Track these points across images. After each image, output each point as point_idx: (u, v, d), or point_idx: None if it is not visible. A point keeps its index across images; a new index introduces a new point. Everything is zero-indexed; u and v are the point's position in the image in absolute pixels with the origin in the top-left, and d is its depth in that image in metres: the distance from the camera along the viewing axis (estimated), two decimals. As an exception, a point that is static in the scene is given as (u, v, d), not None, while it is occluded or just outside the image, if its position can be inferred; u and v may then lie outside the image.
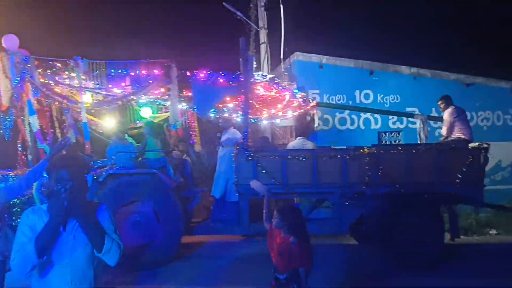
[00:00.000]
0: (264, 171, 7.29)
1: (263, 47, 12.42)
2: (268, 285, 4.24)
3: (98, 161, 7.95)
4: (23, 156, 8.21)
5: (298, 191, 7.35)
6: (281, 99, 8.36)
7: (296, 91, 8.39)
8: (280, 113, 8.52)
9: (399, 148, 7.29)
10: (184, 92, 7.77)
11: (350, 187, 7.28)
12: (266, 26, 12.58)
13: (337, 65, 11.32)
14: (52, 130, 8.75)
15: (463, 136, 7.97)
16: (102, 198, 7.26)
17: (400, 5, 14.00)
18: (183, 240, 7.81)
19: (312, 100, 8.45)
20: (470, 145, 7.69)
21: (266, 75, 8.08)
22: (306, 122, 8.46)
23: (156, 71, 7.54)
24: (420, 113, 9.07)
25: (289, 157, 7.28)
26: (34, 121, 7.83)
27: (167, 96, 7.71)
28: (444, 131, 8.13)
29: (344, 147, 7.72)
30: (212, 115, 8.48)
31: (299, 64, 11.34)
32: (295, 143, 8.18)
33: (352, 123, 11.01)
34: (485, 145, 7.24)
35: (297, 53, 11.37)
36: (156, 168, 7.61)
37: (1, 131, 7.68)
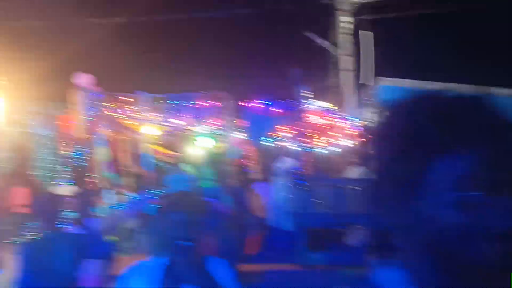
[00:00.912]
0: (318, 200, 7.18)
1: (344, 74, 12.31)
2: None
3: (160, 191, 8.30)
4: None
5: (355, 221, 7.12)
6: (338, 127, 8.28)
7: (356, 119, 8.27)
8: (337, 141, 8.43)
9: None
10: (238, 122, 7.97)
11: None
12: (349, 52, 12.48)
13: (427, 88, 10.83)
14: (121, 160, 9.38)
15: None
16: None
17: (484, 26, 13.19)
18: (240, 268, 7.81)
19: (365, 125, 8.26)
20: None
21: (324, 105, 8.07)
22: (362, 149, 8.25)
23: (210, 103, 7.85)
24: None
25: (344, 186, 7.12)
26: (103, 152, 8.44)
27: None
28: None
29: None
30: (266, 143, 8.60)
31: (384, 89, 11.01)
32: (352, 172, 7.98)
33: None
34: None
35: (381, 77, 11.07)
36: (210, 196, 7.80)
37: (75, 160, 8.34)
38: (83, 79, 8.45)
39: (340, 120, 8.18)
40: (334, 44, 12.47)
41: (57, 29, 11.91)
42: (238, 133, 8.27)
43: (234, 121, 7.80)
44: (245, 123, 7.87)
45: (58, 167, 8.77)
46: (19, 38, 11.59)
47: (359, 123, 8.34)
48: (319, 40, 12.30)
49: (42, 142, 9.07)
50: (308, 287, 7.70)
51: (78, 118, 8.14)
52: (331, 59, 12.50)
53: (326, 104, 8.01)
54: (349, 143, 8.43)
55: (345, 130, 8.27)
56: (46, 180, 9.29)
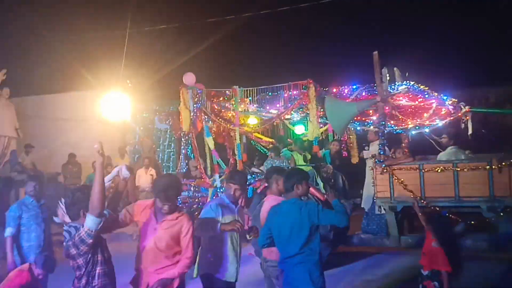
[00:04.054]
0: (400, 184, 7.20)
1: None
2: None
3: (259, 175, 9.00)
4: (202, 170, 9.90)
5: (438, 205, 6.99)
6: (427, 107, 8.01)
7: (445, 97, 7.90)
8: (427, 122, 8.15)
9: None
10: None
11: (498, 201, 6.58)
12: None
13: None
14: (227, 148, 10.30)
15: None
16: (260, 206, 8.26)
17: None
18: (339, 250, 8.11)
19: (464, 106, 7.81)
20: None
21: (410, 84, 7.87)
22: (456, 131, 7.87)
23: (295, 92, 8.21)
24: None
25: (426, 169, 7.02)
26: (210, 142, 9.39)
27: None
28: None
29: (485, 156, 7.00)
30: (351, 130, 8.69)
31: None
32: (445, 153, 7.73)
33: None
34: None
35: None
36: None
37: (187, 150, 9.44)
38: (190, 78, 9.48)
39: (431, 101, 7.89)
40: None
41: (169, 33, 13.25)
42: (325, 119, 8.50)
43: (321, 108, 8.03)
44: (333, 109, 8.05)
45: (174, 156, 10.05)
46: (140, 43, 13.20)
47: (452, 101, 7.97)
48: None
49: (162, 135, 10.41)
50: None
51: (188, 113, 9.08)
52: None
53: (415, 85, 7.77)
54: (442, 122, 8.12)
55: (437, 110, 7.96)
56: (168, 166, 10.69)
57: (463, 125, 7.94)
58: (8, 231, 5.44)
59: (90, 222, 3.29)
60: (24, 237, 5.49)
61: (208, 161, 9.63)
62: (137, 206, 3.96)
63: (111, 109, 11.40)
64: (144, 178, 11.26)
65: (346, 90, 8.12)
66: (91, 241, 3.29)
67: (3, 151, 12.42)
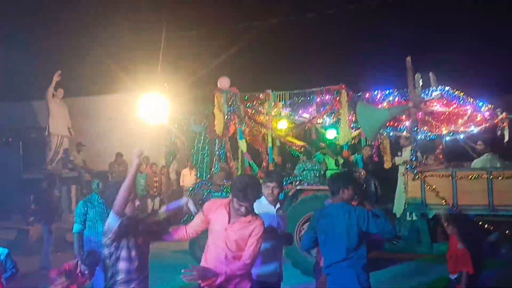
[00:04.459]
0: (432, 190, 7.13)
1: None
2: None
3: (291, 177, 9.09)
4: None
5: (471, 213, 6.87)
6: (462, 113, 7.89)
7: (481, 103, 7.76)
8: (461, 128, 8.03)
9: None
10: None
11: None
12: None
13: None
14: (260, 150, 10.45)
15: None
16: (291, 209, 8.35)
17: None
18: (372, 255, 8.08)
19: (501, 112, 7.64)
20: None
21: (445, 90, 7.79)
22: (492, 137, 7.72)
23: (328, 97, 8.26)
24: None
25: (459, 176, 6.92)
26: (243, 145, 9.55)
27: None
28: None
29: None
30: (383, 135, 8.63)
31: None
32: (480, 159, 7.60)
33: None
34: None
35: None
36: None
37: (219, 152, 9.64)
38: (224, 82, 9.68)
39: (466, 107, 7.77)
40: None
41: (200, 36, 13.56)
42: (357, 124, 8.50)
43: (353, 113, 8.05)
44: (365, 115, 8.05)
45: (210, 157, 10.24)
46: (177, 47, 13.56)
47: (487, 108, 7.82)
48: None
49: (196, 137, 10.66)
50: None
51: (221, 116, 9.29)
52: None
53: (450, 90, 7.67)
54: (478, 129, 7.98)
55: (472, 116, 7.83)
56: (201, 168, 10.91)
57: (499, 132, 7.78)
58: (75, 227, 5.69)
59: (110, 218, 3.44)
60: (92, 233, 5.65)
61: (239, 163, 9.82)
62: (211, 203, 3.95)
63: (149, 111, 11.79)
64: (189, 178, 11.66)
65: (378, 96, 8.10)
66: (111, 236, 3.43)
67: (56, 149, 13.06)
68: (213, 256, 3.78)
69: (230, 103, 9.27)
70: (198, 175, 10.57)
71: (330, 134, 9.62)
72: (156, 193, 13.10)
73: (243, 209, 3.68)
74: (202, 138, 10.50)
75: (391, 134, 9.01)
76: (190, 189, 9.59)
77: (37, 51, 14.97)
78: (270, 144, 8.98)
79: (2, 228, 10.97)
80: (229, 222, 3.75)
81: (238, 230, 3.73)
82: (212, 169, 9.72)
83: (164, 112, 11.14)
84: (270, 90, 9.01)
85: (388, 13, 12.43)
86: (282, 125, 9.72)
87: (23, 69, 14.03)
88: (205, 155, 10.34)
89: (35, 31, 15.18)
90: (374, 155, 9.56)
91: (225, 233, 3.74)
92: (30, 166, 13.68)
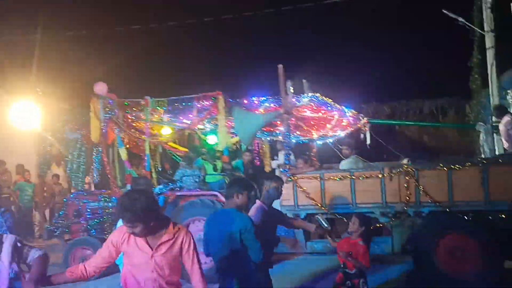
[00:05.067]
0: (303, 192, 7.53)
1: (489, 52, 11.93)
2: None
3: (170, 184, 9.02)
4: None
5: (337, 212, 7.39)
6: (330, 119, 8.48)
7: (346, 109, 8.41)
8: (330, 133, 8.63)
9: (441, 165, 6.87)
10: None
11: (389, 207, 7.10)
12: (492, 29, 12.01)
13: None
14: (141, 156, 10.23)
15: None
16: (171, 216, 8.27)
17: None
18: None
19: (363, 118, 8.36)
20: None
21: (314, 96, 8.28)
22: (356, 141, 8.40)
23: (208, 103, 8.36)
24: (482, 123, 8.24)
25: (327, 177, 7.40)
26: (123, 152, 9.27)
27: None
28: (505, 144, 7.33)
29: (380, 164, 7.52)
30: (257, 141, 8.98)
31: None
32: (346, 161, 8.19)
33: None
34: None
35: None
36: (216, 190, 8.41)
37: (95, 161, 9.28)
38: (101, 87, 9.32)
39: (333, 112, 8.35)
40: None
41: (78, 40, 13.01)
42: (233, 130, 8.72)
43: (230, 118, 8.23)
44: (241, 120, 8.28)
45: (84, 166, 9.82)
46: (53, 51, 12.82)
47: (352, 113, 8.48)
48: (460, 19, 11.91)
49: (72, 145, 10.15)
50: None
51: (98, 123, 8.93)
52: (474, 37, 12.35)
53: (319, 97, 8.19)
54: (344, 133, 8.61)
55: (339, 121, 8.43)
56: (77, 177, 10.41)
57: (362, 136, 8.49)
58: None
59: None
60: None
61: (118, 171, 9.56)
62: (120, 232, 3.36)
63: (21, 117, 11.00)
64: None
65: (256, 102, 8.38)
66: None
67: None
68: None
69: (107, 109, 8.95)
70: (73, 185, 10.05)
71: (211, 139, 9.73)
72: (44, 204, 12.28)
73: (137, 230, 3.17)
74: (78, 146, 10.00)
75: (268, 138, 9.37)
76: (64, 200, 9.10)
77: None
78: (147, 151, 8.82)
79: None
80: (152, 248, 3.26)
81: (166, 252, 3.28)
82: (89, 179, 9.33)
83: (36, 119, 10.46)
84: (149, 97, 8.88)
85: (265, 21, 12.93)
86: (167, 131, 9.64)
87: None
88: (81, 163, 9.87)
89: None
90: (256, 160, 9.86)
91: (152, 261, 3.25)
92: None
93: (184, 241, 3.32)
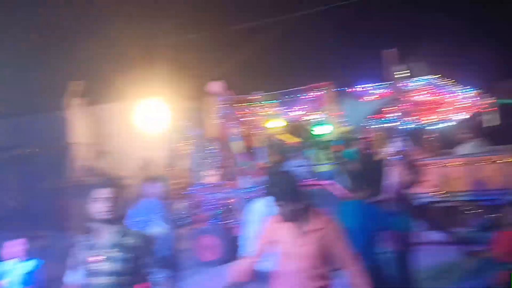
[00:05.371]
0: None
1: None
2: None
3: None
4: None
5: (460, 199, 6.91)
6: (450, 101, 7.91)
7: (469, 90, 7.77)
8: (451, 116, 8.03)
9: None
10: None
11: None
12: None
13: None
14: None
15: None
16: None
17: None
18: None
19: (490, 98, 7.63)
20: None
21: (432, 79, 7.82)
22: (479, 124, 7.71)
23: (318, 94, 8.37)
24: None
25: (447, 164, 6.97)
26: (237, 146, 9.69)
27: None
28: None
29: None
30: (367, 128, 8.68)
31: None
32: (467, 146, 7.60)
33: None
34: None
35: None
36: (326, 179, 8.37)
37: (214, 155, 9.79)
38: (216, 86, 9.84)
39: (454, 94, 7.77)
40: None
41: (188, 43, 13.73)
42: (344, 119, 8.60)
43: (339, 108, 8.15)
44: (351, 109, 8.16)
45: (205, 160, 10.42)
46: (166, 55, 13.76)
47: (476, 93, 7.82)
48: None
49: (194, 141, 10.82)
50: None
51: (215, 120, 9.45)
52: None
53: (438, 78, 7.69)
54: (462, 116, 7.99)
55: (456, 103, 7.83)
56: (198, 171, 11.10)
57: (488, 117, 7.77)
58: None
59: None
60: None
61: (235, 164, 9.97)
62: (268, 224, 3.32)
63: (149, 118, 12.09)
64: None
65: (365, 89, 8.17)
66: None
67: (78, 158, 13.29)
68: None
69: (222, 106, 9.43)
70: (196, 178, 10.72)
71: (320, 130, 9.67)
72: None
73: (286, 209, 3.10)
74: (199, 142, 10.65)
75: (380, 125, 9.04)
76: (189, 192, 9.71)
77: (48, 62, 15.09)
78: (260, 144, 9.09)
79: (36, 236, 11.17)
80: (301, 237, 3.12)
81: (315, 241, 3.10)
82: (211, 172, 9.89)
83: (163, 119, 11.44)
84: (261, 92, 9.15)
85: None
86: (276, 124, 9.85)
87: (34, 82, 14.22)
88: (203, 158, 10.50)
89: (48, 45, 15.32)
90: (367, 148, 9.63)
91: (300, 250, 3.11)
92: (54, 176, 13.82)
93: (332, 230, 3.13)
